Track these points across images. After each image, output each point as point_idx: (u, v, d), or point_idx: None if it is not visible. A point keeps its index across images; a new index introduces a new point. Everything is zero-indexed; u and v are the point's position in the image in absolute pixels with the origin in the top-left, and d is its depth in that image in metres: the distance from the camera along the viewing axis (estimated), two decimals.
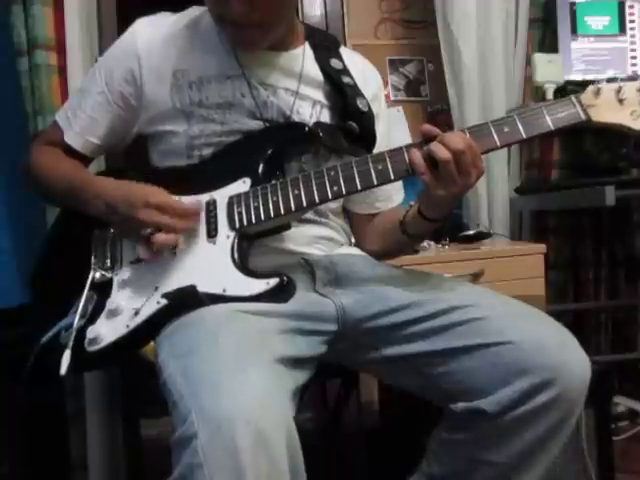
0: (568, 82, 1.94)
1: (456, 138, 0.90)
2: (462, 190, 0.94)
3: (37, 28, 1.53)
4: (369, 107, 1.13)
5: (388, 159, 0.95)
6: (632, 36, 2.02)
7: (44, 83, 1.53)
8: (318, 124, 1.09)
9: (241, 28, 1.00)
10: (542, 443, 0.92)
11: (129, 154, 1.26)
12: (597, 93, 0.94)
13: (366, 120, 1.12)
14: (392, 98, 2.12)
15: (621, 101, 0.94)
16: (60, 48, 1.56)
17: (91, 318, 1.00)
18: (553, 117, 0.93)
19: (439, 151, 0.90)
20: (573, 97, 0.94)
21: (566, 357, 0.91)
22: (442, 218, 1.04)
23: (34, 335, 1.02)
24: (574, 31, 2.00)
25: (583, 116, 0.93)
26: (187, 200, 1.02)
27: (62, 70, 1.56)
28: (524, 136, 0.93)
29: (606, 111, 0.94)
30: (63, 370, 0.96)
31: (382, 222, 1.22)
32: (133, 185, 1.03)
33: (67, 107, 1.18)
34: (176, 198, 1.01)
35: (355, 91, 1.14)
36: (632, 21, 2.02)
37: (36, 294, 1.16)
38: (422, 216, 1.03)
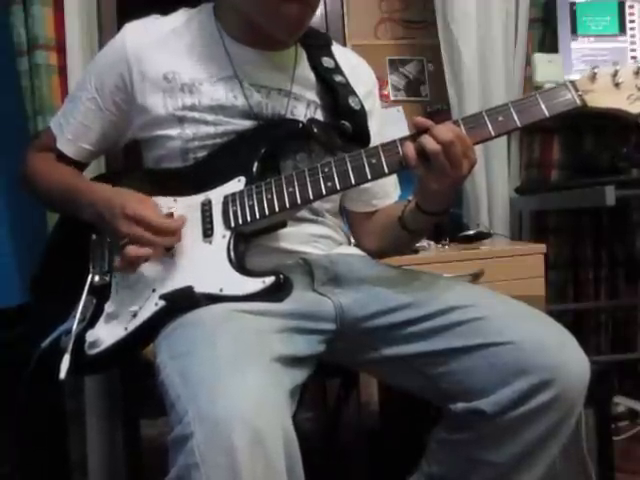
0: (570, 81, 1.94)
1: (444, 129, 0.90)
2: (455, 182, 0.93)
3: (37, 28, 1.53)
4: (361, 105, 1.12)
5: (382, 153, 0.95)
6: (632, 36, 2.02)
7: (44, 83, 1.54)
8: (312, 121, 1.08)
9: (304, 7, 1.02)
10: (542, 443, 0.92)
11: (128, 156, 1.26)
12: (593, 78, 0.92)
13: (359, 118, 1.11)
14: (392, 98, 2.12)
15: (617, 85, 0.92)
16: (60, 48, 1.56)
17: (90, 322, 1.00)
18: (548, 104, 0.92)
19: (428, 143, 0.90)
20: (568, 83, 0.93)
21: (565, 358, 0.91)
22: (441, 211, 1.03)
23: (33, 336, 1.02)
24: (574, 31, 1.99)
25: (578, 102, 0.92)
26: (178, 211, 1.02)
27: (62, 70, 1.56)
28: (519, 124, 0.92)
29: (602, 96, 0.92)
30: (62, 375, 0.96)
31: (380, 219, 1.22)
32: (118, 193, 1.02)
33: (60, 114, 1.18)
34: (164, 207, 1.01)
35: (347, 89, 1.13)
36: (632, 21, 2.02)
37: (35, 298, 1.16)
38: (420, 210, 1.03)
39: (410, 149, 0.92)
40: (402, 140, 0.94)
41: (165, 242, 0.98)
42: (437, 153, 0.89)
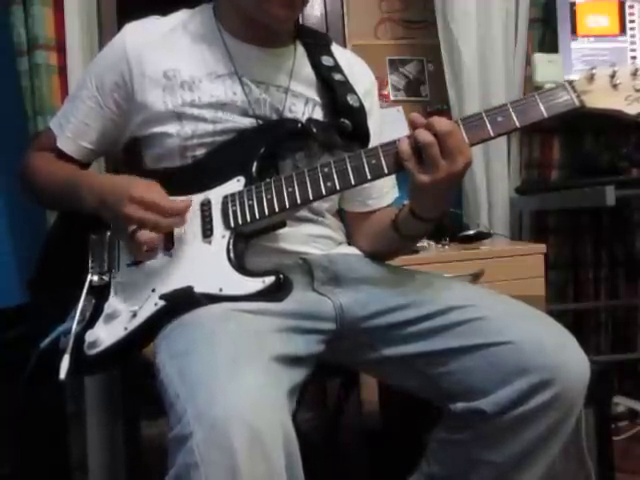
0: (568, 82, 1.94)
1: (442, 120, 0.89)
2: (449, 178, 0.90)
3: (37, 28, 1.53)
4: (361, 103, 1.12)
5: (381, 153, 0.94)
6: (632, 36, 2.02)
7: (44, 83, 1.54)
8: (311, 120, 1.09)
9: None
10: (542, 443, 0.92)
11: (128, 155, 1.26)
12: (591, 79, 0.92)
13: (358, 116, 1.11)
14: (392, 98, 2.12)
15: (615, 86, 0.92)
16: (60, 48, 1.56)
17: (90, 322, 1.00)
18: (547, 105, 0.92)
19: (422, 134, 0.89)
20: (567, 84, 0.93)
21: (565, 357, 0.91)
22: (434, 217, 1.01)
23: (33, 336, 1.02)
24: (574, 31, 1.99)
25: (577, 103, 0.92)
26: (178, 199, 1.01)
27: (62, 70, 1.56)
28: (518, 125, 0.91)
29: (600, 97, 0.92)
30: (62, 375, 0.96)
31: (375, 222, 1.21)
32: (123, 179, 1.03)
33: (60, 114, 1.18)
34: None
35: (346, 87, 1.13)
36: (632, 21, 2.02)
37: (34, 297, 1.16)
38: (414, 215, 1.01)
39: (404, 143, 0.91)
40: (401, 138, 0.94)
41: (174, 223, 0.98)
42: (431, 144, 0.88)
